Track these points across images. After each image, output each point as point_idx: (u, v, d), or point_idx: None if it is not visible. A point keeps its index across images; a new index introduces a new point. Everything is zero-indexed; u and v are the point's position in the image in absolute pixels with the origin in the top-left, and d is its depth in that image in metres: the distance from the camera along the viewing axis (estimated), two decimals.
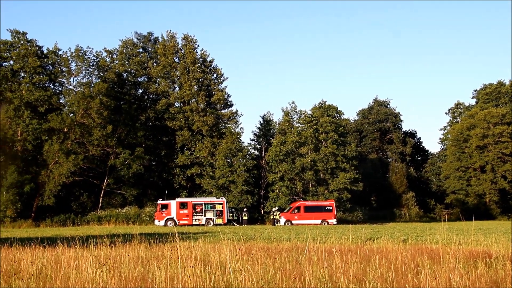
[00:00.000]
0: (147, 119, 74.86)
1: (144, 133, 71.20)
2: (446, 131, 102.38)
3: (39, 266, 13.89)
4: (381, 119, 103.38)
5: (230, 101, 75.82)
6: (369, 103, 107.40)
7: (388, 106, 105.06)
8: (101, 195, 67.94)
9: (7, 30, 73.82)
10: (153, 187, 71.62)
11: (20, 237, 29.04)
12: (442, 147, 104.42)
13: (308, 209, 61.51)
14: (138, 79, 75.76)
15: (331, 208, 61.78)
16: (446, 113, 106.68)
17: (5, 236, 30.67)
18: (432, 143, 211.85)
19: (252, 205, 67.94)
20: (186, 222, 58.70)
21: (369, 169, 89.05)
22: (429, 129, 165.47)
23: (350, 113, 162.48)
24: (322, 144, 71.28)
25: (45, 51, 67.08)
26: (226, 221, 60.15)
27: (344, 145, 71.81)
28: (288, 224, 59.66)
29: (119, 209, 66.22)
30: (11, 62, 65.23)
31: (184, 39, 74.56)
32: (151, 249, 18.31)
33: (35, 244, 18.90)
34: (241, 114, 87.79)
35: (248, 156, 71.04)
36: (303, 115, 74.61)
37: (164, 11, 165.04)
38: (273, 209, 63.42)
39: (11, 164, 60.90)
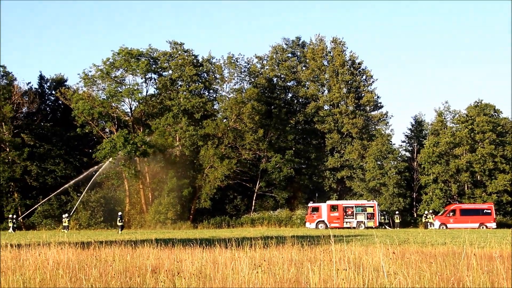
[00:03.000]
0: (297, 122, 75.66)
1: (294, 137, 72.08)
2: None
3: (198, 266, 14.52)
4: None
5: (380, 103, 74.76)
6: None
7: None
8: (254, 198, 69.67)
9: (166, 41, 77.64)
10: (303, 190, 72.21)
11: (180, 238, 30.57)
12: None
13: (465, 212, 58.94)
14: (288, 83, 76.85)
15: (489, 211, 58.76)
16: None
17: (167, 237, 32.38)
18: None
19: (404, 208, 66.31)
20: (337, 224, 58.54)
21: None
22: None
23: (509, 112, 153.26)
24: (479, 145, 67.91)
25: (200, 60, 70.14)
26: (377, 224, 59.26)
27: (503, 145, 67.93)
28: (442, 227, 57.58)
29: (271, 211, 67.51)
30: (170, 71, 68.84)
31: (332, 42, 74.59)
32: (303, 251, 18.46)
33: (194, 245, 19.79)
34: (392, 116, 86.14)
35: (399, 158, 69.53)
36: (457, 115, 71.61)
37: (312, 15, 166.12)
38: (426, 212, 61.52)
39: (170, 169, 64.34)
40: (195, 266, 14.35)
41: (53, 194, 64.02)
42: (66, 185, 64.25)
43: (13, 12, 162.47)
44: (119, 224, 52.87)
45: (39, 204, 64.00)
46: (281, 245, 20.01)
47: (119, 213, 55.13)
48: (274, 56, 77.04)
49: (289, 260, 15.63)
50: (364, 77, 74.38)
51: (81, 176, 64.52)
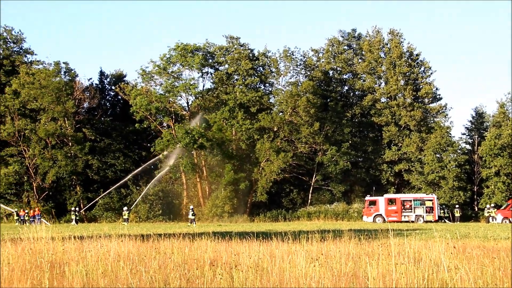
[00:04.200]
0: (353, 115, 75.07)
1: (351, 130, 71.55)
2: None
3: (255, 259, 14.58)
4: None
5: (439, 95, 73.27)
6: None
7: None
8: (310, 191, 69.54)
9: (222, 35, 78.03)
10: (360, 183, 71.61)
11: (237, 231, 30.80)
12: None
13: None
14: (344, 76, 76.30)
15: None
16: None
17: (224, 230, 32.68)
18: None
19: (464, 202, 64.90)
20: (395, 218, 57.84)
21: None
22: None
23: None
24: None
25: (256, 54, 70.31)
26: (437, 218, 58.27)
27: None
28: (505, 222, 56.08)
29: (328, 205, 67.22)
30: (226, 66, 69.28)
31: (389, 34, 73.51)
32: (361, 245, 18.30)
33: (251, 238, 19.89)
34: (451, 108, 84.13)
35: (459, 151, 68.07)
36: None
37: (368, 7, 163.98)
38: (488, 206, 60.05)
39: (227, 163, 64.84)
40: (252, 259, 14.42)
41: (113, 188, 65.53)
42: (125, 178, 65.68)
43: (75, 11, 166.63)
44: (191, 217, 53.48)
45: (100, 197, 65.61)
46: (338, 238, 19.90)
47: (191, 207, 56.07)
48: (330, 49, 76.51)
49: (346, 254, 15.54)
50: (422, 68, 73.07)
51: (139, 169, 65.86)
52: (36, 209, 59.81)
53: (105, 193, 65.56)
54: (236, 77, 68.81)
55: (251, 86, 68.27)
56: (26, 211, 58.85)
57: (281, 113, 69.80)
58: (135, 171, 66.17)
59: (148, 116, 66.64)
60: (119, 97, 74.04)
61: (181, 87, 65.20)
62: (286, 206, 68.62)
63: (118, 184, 65.64)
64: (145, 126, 67.29)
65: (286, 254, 14.67)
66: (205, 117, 67.10)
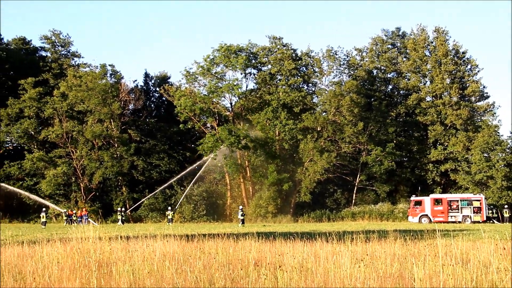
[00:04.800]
0: (398, 114, 74.23)
1: (395, 129, 70.73)
2: None
3: (300, 259, 14.56)
4: None
5: (486, 93, 71.83)
6: None
7: None
8: (354, 191, 69.08)
9: (266, 36, 77.96)
10: (405, 183, 70.76)
11: (281, 231, 30.78)
12: None
13: None
14: (388, 75, 75.52)
15: None
16: None
17: (268, 231, 32.70)
18: None
19: None
20: (441, 219, 56.91)
21: None
22: None
23: None
24: None
25: (299, 54, 70.18)
26: (485, 219, 57.07)
27: None
28: None
29: (372, 205, 66.67)
30: (269, 66, 69.32)
31: (435, 32, 72.38)
32: (406, 246, 18.09)
33: (295, 239, 19.86)
34: (499, 106, 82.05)
35: (508, 150, 66.52)
36: None
37: (412, 5, 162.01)
38: None
39: (271, 164, 64.88)
40: (296, 259, 14.41)
41: (159, 189, 66.26)
42: (171, 180, 66.37)
43: (120, 14, 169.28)
44: (240, 217, 53.67)
45: (145, 198, 66.44)
46: (383, 239, 19.70)
47: (240, 207, 56.32)
48: (374, 48, 75.82)
49: (392, 254, 15.39)
50: (468, 66, 71.73)
51: (186, 171, 66.38)
52: (83, 209, 60.94)
53: (151, 195, 66.32)
54: (279, 77, 68.79)
55: (294, 86, 68.13)
56: (74, 211, 60.02)
57: (324, 113, 69.51)
58: (182, 173, 66.64)
59: (192, 117, 67.18)
60: (164, 98, 74.86)
61: (224, 87, 65.58)
62: (330, 206, 68.31)
63: (164, 186, 66.33)
64: (189, 127, 67.85)
65: (330, 255, 14.60)
66: (248, 118, 67.33)
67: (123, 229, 38.04)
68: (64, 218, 58.76)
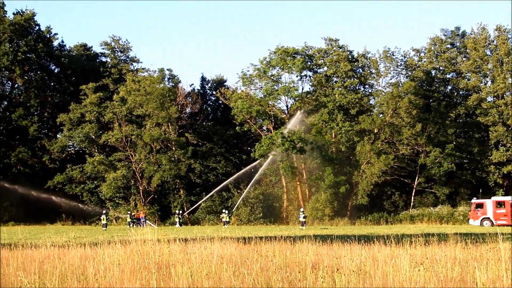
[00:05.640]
0: (457, 115, 72.64)
1: (455, 130, 69.25)
2: None
3: (357, 262, 14.44)
4: None
5: None
6: None
7: None
8: (413, 194, 68.04)
9: (321, 38, 77.44)
10: (466, 186, 69.16)
11: (338, 234, 30.58)
12: None
13: None
14: (447, 75, 74.01)
15: None
16: None
17: (325, 233, 32.55)
18: None
19: None
20: (504, 222, 55.24)
21: None
22: None
23: None
24: None
25: (355, 55, 69.61)
26: None
27: None
28: None
29: (431, 208, 65.47)
30: (325, 68, 69.01)
31: (496, 30, 70.56)
32: (468, 249, 17.71)
33: (353, 242, 19.70)
34: None
35: None
36: None
37: (471, 4, 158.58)
38: None
39: (327, 166, 64.52)
40: (354, 262, 14.30)
41: (214, 191, 66.78)
42: (227, 181, 66.78)
43: (178, 19, 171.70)
44: (302, 219, 53.61)
45: (202, 200, 67.07)
46: (443, 242, 19.32)
47: (301, 209, 56.33)
48: (432, 48, 74.34)
49: (452, 258, 15.10)
50: None
51: (241, 172, 66.75)
52: (141, 211, 61.93)
53: (207, 197, 66.81)
54: (335, 79, 68.39)
55: (350, 88, 67.61)
56: (133, 213, 61.10)
57: (381, 115, 68.72)
58: (236, 175, 67.03)
59: (248, 120, 67.52)
60: (220, 101, 75.57)
61: (281, 90, 65.70)
62: (388, 209, 67.43)
63: (219, 187, 66.79)
64: (245, 129, 68.21)
65: (389, 258, 14.45)
66: (304, 120, 67.15)
67: (181, 232, 38.51)
68: (129, 220, 59.49)
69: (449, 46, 74.87)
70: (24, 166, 72.32)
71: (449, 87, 74.98)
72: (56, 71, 79.10)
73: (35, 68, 75.74)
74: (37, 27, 75.67)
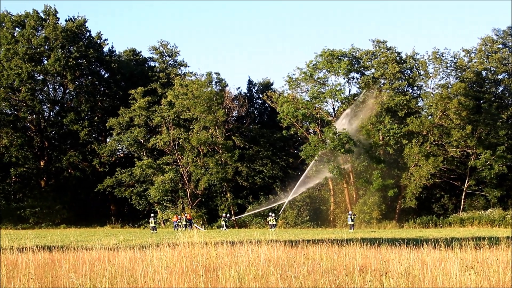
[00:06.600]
0: (509, 117, 70.95)
1: (506, 132, 67.64)
2: None
3: (406, 266, 14.26)
4: None
5: None
6: None
7: None
8: (463, 196, 66.83)
9: (369, 40, 76.68)
10: None
11: (386, 237, 30.26)
12: None
13: None
14: (498, 76, 72.41)
15: None
16: None
17: (373, 236, 32.24)
18: None
19: None
20: None
21: None
22: None
23: None
24: None
25: (404, 57, 68.77)
26: None
27: None
28: None
29: (482, 211, 64.19)
30: (373, 70, 68.39)
31: None
32: None
33: (401, 245, 19.47)
34: None
35: None
36: None
37: None
38: None
39: (375, 169, 63.84)
40: (402, 266, 14.14)
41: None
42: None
43: (225, 25, 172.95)
44: (350, 222, 53.41)
45: (251, 206, 67.04)
46: (495, 246, 18.92)
47: (349, 212, 56.05)
48: (483, 49, 72.80)
49: (505, 262, 14.76)
50: None
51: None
52: (188, 214, 62.34)
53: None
54: (382, 81, 67.71)
55: (398, 90, 66.82)
56: (180, 216, 61.64)
57: (430, 117, 67.66)
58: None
59: (295, 123, 67.41)
60: (267, 105, 75.75)
61: (327, 93, 65.41)
62: (437, 212, 66.44)
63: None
64: (292, 132, 68.15)
65: (438, 262, 14.24)
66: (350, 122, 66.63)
67: (228, 235, 38.71)
68: (184, 223, 59.70)
69: (500, 46, 73.17)
70: (75, 170, 73.97)
71: (501, 88, 73.38)
72: (106, 76, 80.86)
73: (85, 74, 77.58)
74: (88, 33, 77.47)
